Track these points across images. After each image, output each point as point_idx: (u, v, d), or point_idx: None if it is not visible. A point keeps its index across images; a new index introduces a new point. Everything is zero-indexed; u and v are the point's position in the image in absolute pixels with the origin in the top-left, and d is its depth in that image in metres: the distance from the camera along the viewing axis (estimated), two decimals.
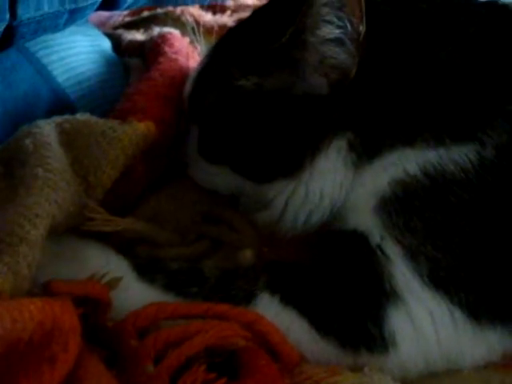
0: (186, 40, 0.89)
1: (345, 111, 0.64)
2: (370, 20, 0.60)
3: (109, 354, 0.55)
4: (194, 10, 1.03)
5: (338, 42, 0.62)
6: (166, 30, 0.91)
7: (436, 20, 0.66)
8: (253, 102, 0.66)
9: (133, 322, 0.55)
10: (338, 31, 0.61)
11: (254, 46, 0.67)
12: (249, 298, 0.60)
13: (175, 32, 0.90)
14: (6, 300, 0.49)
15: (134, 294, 0.60)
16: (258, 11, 0.74)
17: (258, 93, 0.66)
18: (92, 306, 0.55)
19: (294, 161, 0.66)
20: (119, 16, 0.98)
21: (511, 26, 0.67)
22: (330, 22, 0.60)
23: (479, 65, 0.64)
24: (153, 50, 0.86)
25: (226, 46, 0.72)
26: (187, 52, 0.85)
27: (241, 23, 0.75)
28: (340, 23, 0.60)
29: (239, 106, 0.67)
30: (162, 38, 0.87)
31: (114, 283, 0.57)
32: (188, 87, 0.74)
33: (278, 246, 0.71)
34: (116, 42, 0.94)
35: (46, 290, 0.53)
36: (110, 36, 0.94)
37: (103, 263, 0.61)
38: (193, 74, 0.74)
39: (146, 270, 0.62)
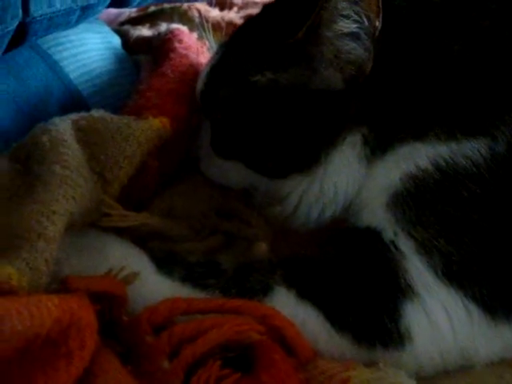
0: (194, 36, 0.89)
1: (360, 106, 0.64)
2: (384, 15, 0.60)
3: (124, 349, 0.55)
4: (201, 6, 1.03)
5: (354, 36, 0.62)
6: (174, 25, 0.91)
7: (449, 15, 0.66)
8: (268, 97, 0.66)
9: (148, 317, 0.55)
10: (354, 26, 0.61)
11: (268, 42, 0.67)
12: (265, 291, 0.60)
13: (183, 28, 0.90)
14: (24, 296, 0.50)
15: (153, 286, 0.60)
16: (269, 7, 0.74)
17: (273, 88, 0.66)
18: (108, 301, 0.55)
19: (309, 156, 0.66)
20: (128, 13, 0.98)
21: None
22: (346, 17, 0.61)
23: (491, 60, 0.63)
24: (162, 46, 0.86)
25: (240, 42, 0.72)
26: (197, 47, 0.86)
27: (252, 19, 0.75)
28: (357, 18, 0.60)
29: (254, 102, 0.67)
30: (171, 33, 0.87)
31: (130, 278, 0.57)
32: (201, 83, 0.74)
33: (291, 240, 0.71)
34: (124, 38, 0.94)
35: (63, 285, 0.53)
36: (117, 32, 0.95)
37: (123, 256, 0.62)
38: (205, 70, 0.74)
39: (165, 263, 0.62)
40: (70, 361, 0.47)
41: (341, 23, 0.61)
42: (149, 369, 0.53)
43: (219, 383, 0.52)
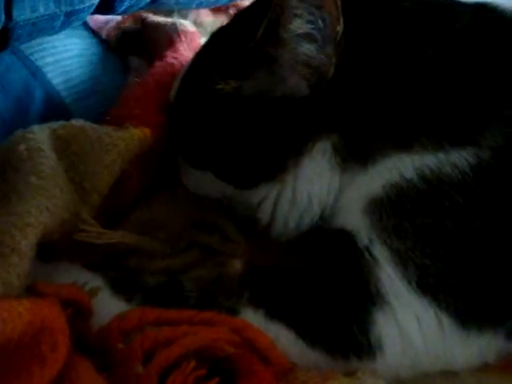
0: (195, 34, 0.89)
1: (327, 113, 0.63)
2: (351, 19, 0.60)
3: (97, 359, 0.55)
4: (203, 11, 1.02)
5: (310, 38, 0.60)
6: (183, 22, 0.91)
7: (422, 17, 0.65)
8: (232, 105, 0.66)
9: (117, 325, 0.55)
10: (309, 26, 0.60)
11: (231, 49, 0.66)
12: (233, 315, 0.59)
13: (192, 28, 0.90)
14: None
15: (113, 310, 0.59)
16: (239, 15, 0.74)
17: (237, 96, 0.65)
18: (76, 310, 0.55)
19: (275, 164, 0.65)
20: (115, 21, 0.97)
21: (501, 28, 0.66)
22: (300, 16, 0.59)
23: (468, 64, 0.63)
24: (157, 47, 0.87)
25: (208, 50, 0.72)
26: (188, 55, 0.85)
27: (223, 27, 0.74)
28: (311, 18, 0.59)
29: (219, 110, 0.67)
30: (178, 33, 0.87)
31: (93, 292, 0.58)
32: (173, 92, 0.74)
33: (271, 252, 0.70)
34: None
35: (32, 291, 0.54)
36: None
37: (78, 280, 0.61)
38: (178, 79, 0.74)
39: (123, 288, 0.61)
40: (43, 365, 0.47)
41: (295, 23, 0.60)
42: (123, 374, 0.53)
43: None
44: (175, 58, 0.83)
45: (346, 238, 0.62)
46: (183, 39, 0.88)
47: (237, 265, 0.64)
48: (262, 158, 0.66)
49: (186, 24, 0.92)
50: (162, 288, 0.62)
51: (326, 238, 0.65)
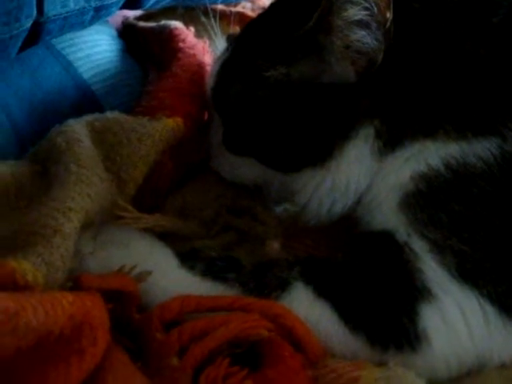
0: (191, 31, 0.89)
1: (373, 99, 0.64)
2: (397, 9, 0.60)
3: (135, 346, 0.55)
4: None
5: (363, 24, 0.61)
6: (172, 22, 0.90)
7: (462, 12, 0.66)
8: (281, 92, 0.66)
9: (159, 314, 0.56)
10: (364, 13, 0.61)
11: (279, 35, 0.67)
12: (283, 286, 0.60)
13: (180, 25, 0.89)
14: (39, 292, 0.50)
15: (174, 279, 0.61)
16: (275, 3, 0.74)
17: (285, 83, 0.66)
18: (120, 298, 0.55)
19: (322, 150, 0.66)
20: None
21: None
22: (356, 3, 0.60)
23: (502, 58, 0.63)
24: (166, 46, 0.86)
25: (251, 37, 0.72)
26: (202, 46, 0.86)
27: (263, 13, 0.75)
28: (366, 5, 0.60)
29: (267, 97, 0.67)
30: (171, 33, 0.87)
31: (143, 276, 0.58)
32: (212, 80, 0.74)
33: (302, 238, 0.71)
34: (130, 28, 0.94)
35: (76, 284, 0.54)
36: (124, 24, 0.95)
37: (147, 250, 0.63)
38: (216, 67, 0.74)
39: (187, 258, 0.63)
40: (82, 357, 0.47)
41: (350, 10, 0.60)
42: (158, 366, 0.53)
43: (227, 380, 0.52)
44: (191, 48, 0.83)
45: (386, 237, 0.63)
46: (181, 32, 0.88)
47: (275, 244, 0.64)
48: (309, 142, 0.67)
49: (176, 23, 0.91)
50: (222, 258, 0.64)
51: (368, 239, 0.65)
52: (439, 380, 0.59)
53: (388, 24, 0.61)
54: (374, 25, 0.61)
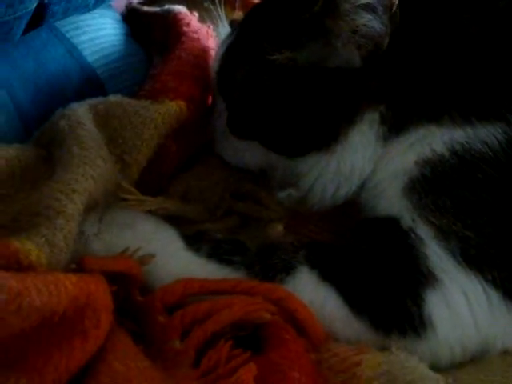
0: (195, 17, 0.89)
1: (378, 84, 0.64)
2: None
3: (138, 328, 0.56)
4: None
5: (370, 8, 0.61)
6: (176, 7, 0.89)
7: None
8: (286, 76, 0.66)
9: (161, 297, 0.56)
10: None
11: (285, 19, 0.66)
12: (288, 269, 0.60)
13: (183, 9, 0.89)
14: (42, 273, 0.50)
15: (180, 261, 0.61)
16: None
17: (291, 67, 0.66)
18: (123, 281, 0.56)
19: (328, 134, 0.66)
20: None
21: None
22: None
23: (507, 42, 0.63)
24: (170, 31, 0.86)
25: (256, 21, 0.72)
26: (206, 30, 0.85)
27: (263, 0, 0.74)
28: None
29: (272, 81, 0.67)
30: (175, 17, 0.86)
31: (146, 259, 0.58)
32: (216, 64, 0.74)
33: (305, 222, 0.71)
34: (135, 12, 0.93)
35: (80, 266, 0.54)
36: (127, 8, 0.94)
37: (153, 231, 0.63)
38: (220, 50, 0.74)
39: (193, 240, 0.63)
40: (86, 339, 0.48)
41: None
42: (160, 348, 0.53)
43: (229, 363, 0.52)
44: (195, 32, 0.83)
45: (390, 222, 0.63)
46: (185, 16, 0.87)
47: (278, 227, 0.65)
48: (314, 127, 0.66)
49: (180, 8, 0.91)
50: (228, 241, 0.64)
51: (373, 225, 0.65)
52: (442, 366, 0.59)
53: (394, 8, 0.61)
54: (380, 9, 0.61)
